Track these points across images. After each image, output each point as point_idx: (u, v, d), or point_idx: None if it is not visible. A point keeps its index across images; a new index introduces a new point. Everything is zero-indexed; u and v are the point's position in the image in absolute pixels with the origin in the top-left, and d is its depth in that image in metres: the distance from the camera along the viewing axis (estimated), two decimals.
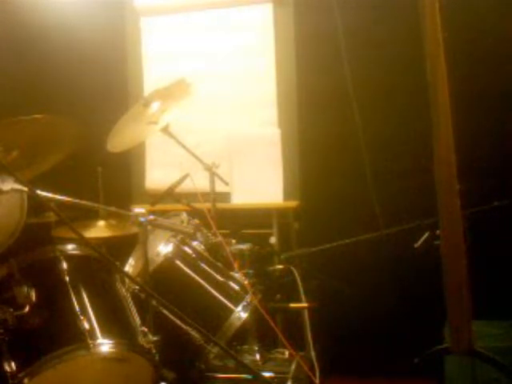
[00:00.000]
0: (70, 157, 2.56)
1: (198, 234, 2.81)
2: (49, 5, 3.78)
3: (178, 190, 2.97)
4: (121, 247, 3.00)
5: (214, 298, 2.62)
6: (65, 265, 2.22)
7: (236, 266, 2.76)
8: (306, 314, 2.95)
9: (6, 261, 2.19)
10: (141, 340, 2.25)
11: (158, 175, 3.72)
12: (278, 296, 3.10)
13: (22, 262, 2.19)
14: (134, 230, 2.59)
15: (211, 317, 2.55)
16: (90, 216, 3.14)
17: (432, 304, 2.47)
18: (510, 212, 2.67)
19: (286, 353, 2.89)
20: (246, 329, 2.76)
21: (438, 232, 2.28)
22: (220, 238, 2.83)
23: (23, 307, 2.10)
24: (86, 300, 2.19)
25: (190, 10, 3.70)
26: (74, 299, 2.16)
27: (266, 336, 2.83)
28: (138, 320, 2.32)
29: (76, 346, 2.06)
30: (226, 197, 3.54)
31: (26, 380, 2.01)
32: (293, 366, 2.76)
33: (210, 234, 2.85)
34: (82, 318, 2.11)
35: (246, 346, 2.85)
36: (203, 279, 2.66)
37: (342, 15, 2.70)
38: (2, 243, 2.34)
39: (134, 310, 2.35)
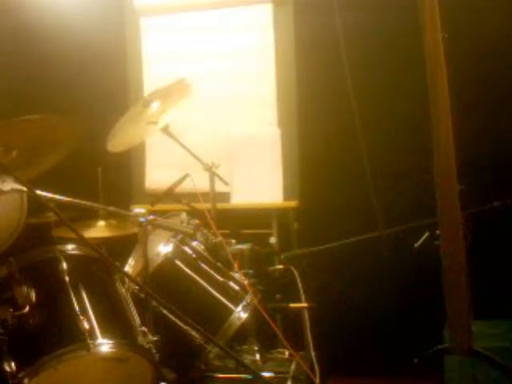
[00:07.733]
0: (70, 157, 2.56)
1: (198, 234, 2.80)
2: (48, 5, 3.77)
3: (177, 190, 2.97)
4: (121, 247, 3.00)
5: (214, 298, 2.62)
6: (65, 265, 2.22)
7: (236, 266, 2.76)
8: (305, 314, 2.95)
9: (6, 261, 2.18)
10: (141, 340, 2.25)
11: (157, 175, 3.71)
12: (278, 296, 3.11)
13: (21, 262, 2.19)
14: (134, 229, 2.59)
15: (211, 317, 2.55)
16: (90, 216, 3.14)
17: (432, 304, 2.47)
18: (510, 212, 2.68)
19: (286, 353, 2.89)
20: (246, 329, 2.76)
21: (438, 232, 2.28)
22: (220, 238, 2.83)
23: (23, 307, 2.10)
24: (86, 300, 2.19)
25: (190, 10, 3.69)
26: (73, 299, 2.16)
27: (265, 336, 2.83)
28: (137, 320, 2.32)
29: (76, 346, 2.06)
30: (225, 197, 3.53)
31: (25, 380, 2.01)
32: (293, 366, 2.77)
33: (209, 234, 2.85)
34: (81, 318, 2.10)
35: (245, 346, 2.85)
36: (203, 279, 2.66)
37: (342, 15, 2.70)
38: (2, 243, 2.34)
39: (133, 310, 2.35)
